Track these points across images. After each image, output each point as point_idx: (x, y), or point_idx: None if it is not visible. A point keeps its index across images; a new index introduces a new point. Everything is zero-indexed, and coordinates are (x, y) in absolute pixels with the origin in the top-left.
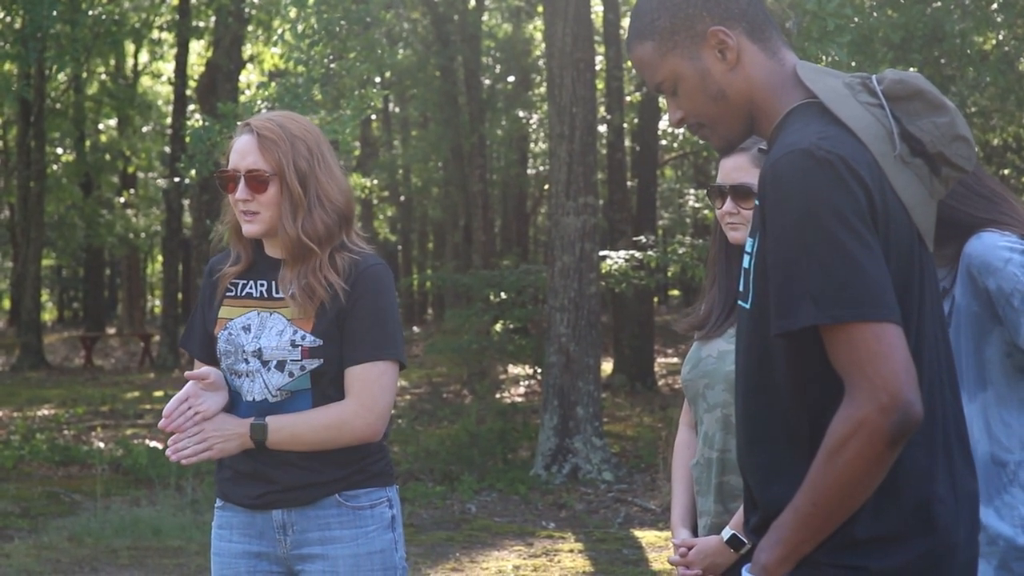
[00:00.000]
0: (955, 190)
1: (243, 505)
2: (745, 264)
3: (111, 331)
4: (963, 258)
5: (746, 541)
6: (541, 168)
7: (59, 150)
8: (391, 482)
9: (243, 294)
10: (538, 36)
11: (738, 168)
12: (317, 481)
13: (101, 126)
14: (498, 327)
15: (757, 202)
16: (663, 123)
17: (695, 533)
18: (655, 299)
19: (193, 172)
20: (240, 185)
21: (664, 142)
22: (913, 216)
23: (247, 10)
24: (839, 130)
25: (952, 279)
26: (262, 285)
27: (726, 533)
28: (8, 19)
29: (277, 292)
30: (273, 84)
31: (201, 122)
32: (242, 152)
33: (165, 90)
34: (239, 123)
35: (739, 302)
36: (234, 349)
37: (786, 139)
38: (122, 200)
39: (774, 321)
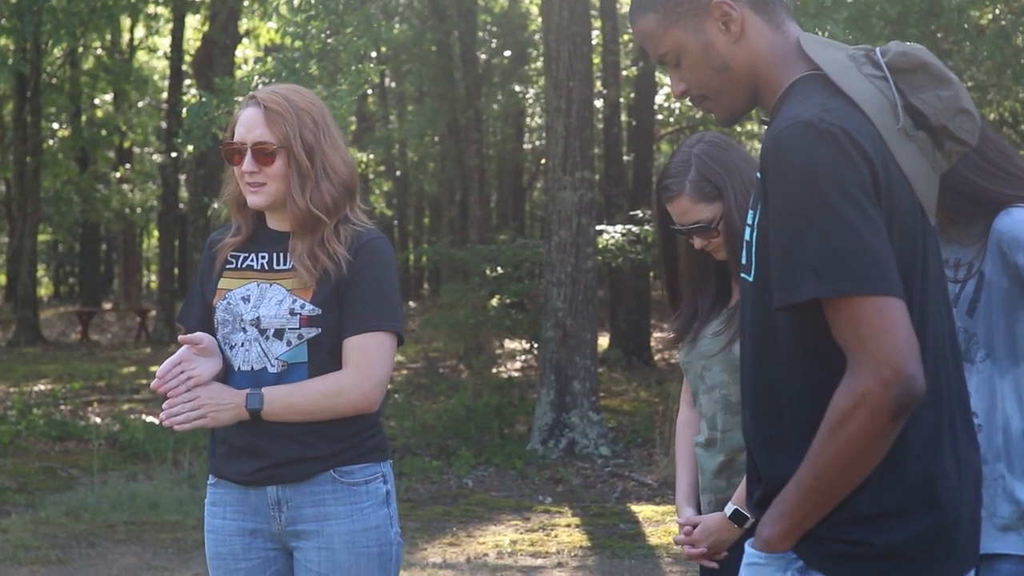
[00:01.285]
0: (984, 168)
1: (237, 481)
2: (747, 236)
3: (107, 306)
4: (992, 234)
5: (749, 516)
6: (537, 143)
7: (55, 125)
8: (385, 457)
9: (243, 266)
10: (534, 10)
11: (684, 212)
12: (311, 456)
13: (97, 101)
14: (494, 302)
15: (759, 174)
16: (659, 98)
17: (700, 511)
18: (651, 274)
19: (190, 148)
20: (247, 157)
21: (660, 117)
22: (916, 189)
23: None
24: (842, 102)
25: (982, 257)
26: (263, 257)
27: (729, 508)
28: None
29: (278, 264)
30: (270, 59)
31: (198, 98)
32: (248, 124)
33: (161, 65)
34: (246, 95)
35: (742, 275)
36: (232, 318)
37: (789, 111)
38: (118, 175)
39: (776, 294)
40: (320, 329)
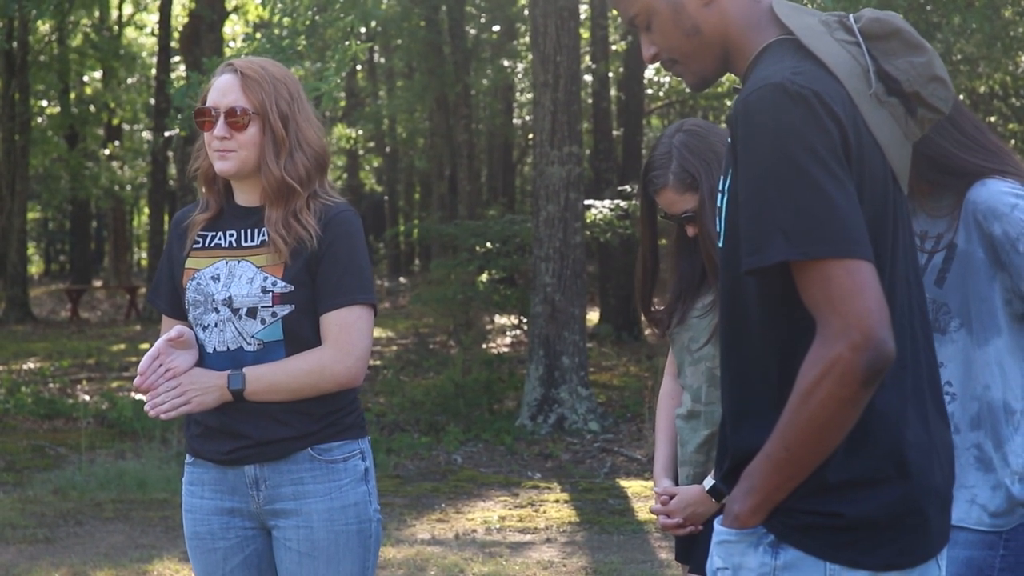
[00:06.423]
0: (961, 141)
1: (214, 461)
2: (718, 203)
3: (97, 284)
4: (967, 204)
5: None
6: (527, 118)
7: (43, 102)
8: (363, 434)
9: (211, 245)
10: None
11: (672, 203)
12: (289, 436)
13: (85, 78)
14: (484, 277)
15: (728, 140)
16: (649, 72)
17: (677, 483)
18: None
19: (178, 128)
20: (219, 122)
21: (650, 91)
22: (888, 156)
23: None
24: (814, 66)
25: (953, 229)
26: (231, 235)
27: (707, 482)
28: None
29: (246, 240)
30: (259, 35)
31: (187, 79)
32: (223, 90)
33: (149, 42)
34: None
35: (717, 243)
36: (203, 299)
37: (759, 74)
38: (107, 152)
39: (744, 258)
40: (293, 306)
